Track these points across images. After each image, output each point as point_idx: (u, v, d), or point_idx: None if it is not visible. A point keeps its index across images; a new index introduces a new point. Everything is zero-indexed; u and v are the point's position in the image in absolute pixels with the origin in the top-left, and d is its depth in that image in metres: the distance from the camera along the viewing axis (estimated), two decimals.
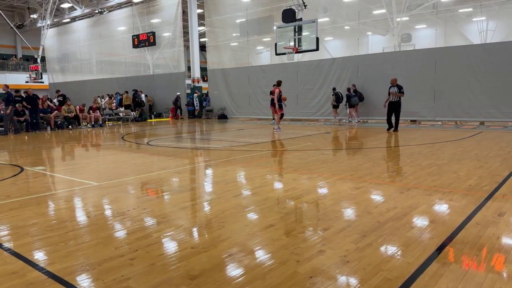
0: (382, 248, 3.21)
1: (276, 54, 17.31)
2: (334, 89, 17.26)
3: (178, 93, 22.53)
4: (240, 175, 6.71)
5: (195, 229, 3.86)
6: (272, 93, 14.68)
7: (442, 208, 4.37)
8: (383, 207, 4.41)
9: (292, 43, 15.95)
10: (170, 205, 4.85)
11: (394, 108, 12.47)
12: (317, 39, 15.14)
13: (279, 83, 14.21)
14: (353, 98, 16.42)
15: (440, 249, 3.15)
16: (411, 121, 16.07)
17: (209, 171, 7.27)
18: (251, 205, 4.66)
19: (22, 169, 7.26)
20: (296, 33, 15.73)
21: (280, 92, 13.90)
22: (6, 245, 3.43)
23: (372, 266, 2.84)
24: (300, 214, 4.27)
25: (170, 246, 3.39)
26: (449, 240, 3.32)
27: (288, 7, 15.85)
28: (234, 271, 2.85)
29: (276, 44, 16.72)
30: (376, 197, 4.96)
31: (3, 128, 15.53)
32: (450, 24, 20.99)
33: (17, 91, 16.54)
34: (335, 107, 17.13)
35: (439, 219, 3.92)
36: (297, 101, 19.05)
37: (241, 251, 3.17)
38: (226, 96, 22.09)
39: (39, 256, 3.21)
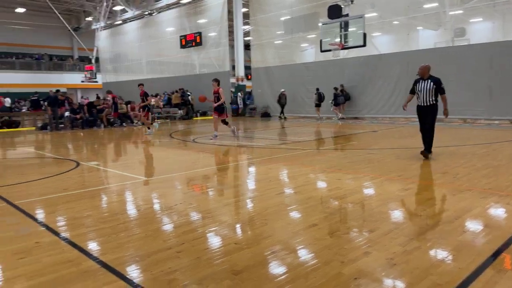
0: (432, 252, 3.08)
1: (321, 51, 17.08)
2: (317, 89, 18.33)
3: (283, 90, 21.10)
4: (283, 173, 6.70)
5: (238, 225, 3.91)
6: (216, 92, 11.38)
7: (498, 212, 4.11)
8: (433, 210, 4.22)
9: (338, 40, 15.66)
10: (214, 201, 4.95)
11: (425, 116, 7.13)
12: (364, 34, 14.75)
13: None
14: (339, 97, 17.75)
15: (495, 255, 2.97)
16: (463, 120, 15.24)
17: (252, 169, 7.33)
18: (294, 203, 4.64)
19: (78, 164, 7.71)
20: (342, 29, 15.44)
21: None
22: (63, 235, 3.67)
23: (420, 270, 2.74)
24: (344, 215, 4.20)
25: (215, 241, 3.46)
26: (505, 246, 3.12)
27: (334, 3, 15.57)
28: (276, 268, 2.86)
29: (321, 40, 16.50)
30: (426, 199, 4.75)
31: (62, 125, 16.59)
32: (509, 17, 19.59)
33: (57, 90, 17.56)
34: (318, 105, 18.35)
35: (494, 224, 3.69)
36: (350, 99, 18.64)
37: (284, 249, 3.17)
38: (270, 94, 22.11)
39: (93, 246, 3.39)
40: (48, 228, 3.84)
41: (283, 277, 2.70)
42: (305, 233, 3.58)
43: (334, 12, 15.55)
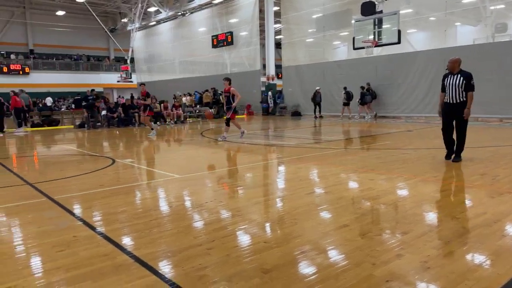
0: (468, 256, 2.96)
1: (354, 49, 16.81)
2: (345, 88, 18.20)
3: (318, 88, 20.42)
4: (313, 172, 6.64)
5: (267, 224, 3.91)
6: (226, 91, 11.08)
7: None
8: (471, 212, 4.05)
9: (371, 37, 15.37)
10: (244, 199, 4.98)
11: (451, 114, 6.56)
12: (399, 31, 14.39)
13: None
14: (366, 96, 17.54)
15: None
16: (500, 119, 14.54)
17: (281, 168, 7.31)
18: (324, 203, 4.59)
19: (113, 161, 7.97)
20: (376, 26, 15.13)
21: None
22: (99, 229, 3.80)
23: (456, 274, 2.64)
24: (376, 216, 4.11)
25: (244, 239, 3.48)
26: None
27: (368, 0, 15.25)
28: (306, 268, 2.84)
29: (354, 38, 16.23)
30: (463, 201, 4.57)
31: (99, 123, 17.22)
32: None
33: (92, 90, 18.20)
34: (346, 104, 18.26)
35: None
36: (376, 97, 18.29)
37: (314, 249, 3.15)
38: (300, 93, 21.98)
39: (127, 241, 3.50)
40: (85, 222, 3.99)
41: (313, 277, 2.68)
42: (335, 233, 3.53)
43: (368, 8, 15.26)
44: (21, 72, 32.46)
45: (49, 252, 3.23)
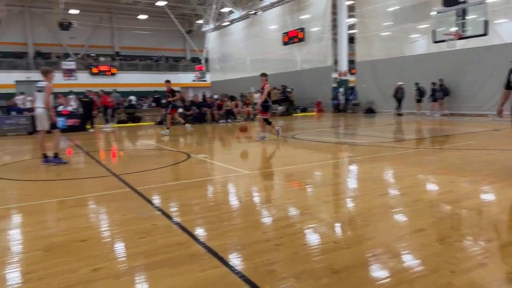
0: None
1: (434, 42, 15.73)
2: (417, 84, 17.19)
3: (400, 83, 19.15)
4: (388, 173, 6.37)
5: (338, 224, 3.84)
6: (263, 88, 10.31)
7: None
8: None
9: (454, 29, 14.26)
10: (313, 198, 4.94)
11: None
12: (486, 22, 13.17)
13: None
14: (438, 93, 16.52)
15: None
16: None
17: (353, 167, 7.11)
18: (400, 205, 4.38)
19: (188, 156, 8.38)
20: (460, 17, 14.00)
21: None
22: (175, 219, 4.03)
23: None
24: (457, 221, 3.82)
25: (313, 238, 3.45)
26: None
27: None
28: (378, 271, 2.75)
29: (434, 31, 15.20)
30: None
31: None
32: None
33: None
34: (418, 101, 17.23)
35: None
36: (459, 94, 16.97)
37: (387, 253, 3.02)
38: (374, 89, 21.13)
39: (200, 232, 3.67)
40: (163, 212, 4.26)
41: (385, 280, 2.58)
42: (411, 237, 3.36)
43: None
44: (108, 73, 35.45)
45: (132, 238, 3.51)
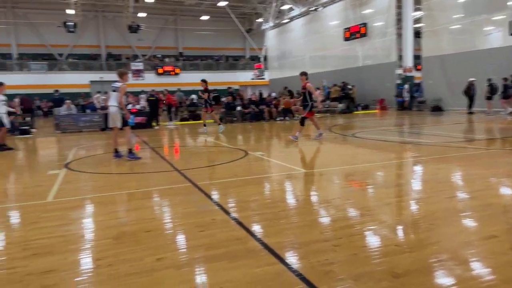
0: None
1: (511, 34, 14.46)
2: (489, 80, 16.06)
3: (472, 79, 17.83)
4: (456, 175, 5.97)
5: (400, 227, 3.68)
6: (303, 88, 10.00)
7: None
8: None
9: None
10: (374, 199, 4.78)
11: None
12: None
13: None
14: (510, 89, 15.34)
15: None
16: None
17: (418, 168, 6.76)
18: (468, 210, 4.09)
19: (246, 153, 8.51)
20: None
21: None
22: (233, 215, 4.12)
23: None
24: None
25: (373, 240, 3.35)
26: None
27: None
28: (443, 278, 2.59)
29: (511, 22, 13.95)
30: None
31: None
32: None
33: (228, 88, 19.41)
34: (489, 98, 16.15)
35: None
36: None
37: (453, 259, 2.84)
38: (443, 85, 19.86)
39: (257, 228, 3.71)
40: (221, 207, 4.37)
41: None
42: (480, 244, 3.13)
43: None
44: (172, 73, 37.07)
45: (192, 231, 3.65)
